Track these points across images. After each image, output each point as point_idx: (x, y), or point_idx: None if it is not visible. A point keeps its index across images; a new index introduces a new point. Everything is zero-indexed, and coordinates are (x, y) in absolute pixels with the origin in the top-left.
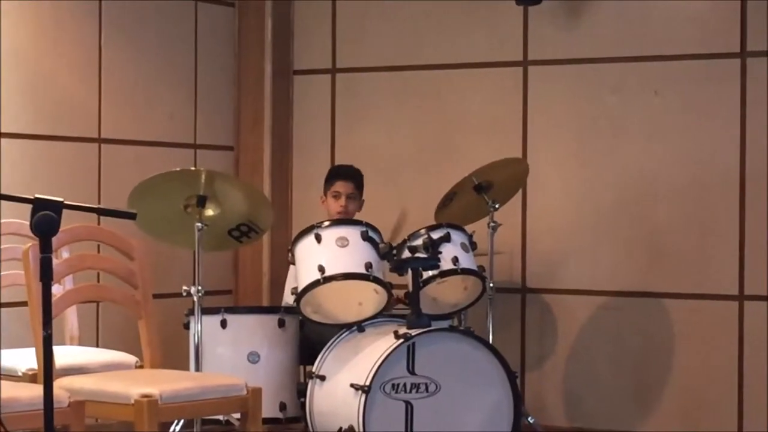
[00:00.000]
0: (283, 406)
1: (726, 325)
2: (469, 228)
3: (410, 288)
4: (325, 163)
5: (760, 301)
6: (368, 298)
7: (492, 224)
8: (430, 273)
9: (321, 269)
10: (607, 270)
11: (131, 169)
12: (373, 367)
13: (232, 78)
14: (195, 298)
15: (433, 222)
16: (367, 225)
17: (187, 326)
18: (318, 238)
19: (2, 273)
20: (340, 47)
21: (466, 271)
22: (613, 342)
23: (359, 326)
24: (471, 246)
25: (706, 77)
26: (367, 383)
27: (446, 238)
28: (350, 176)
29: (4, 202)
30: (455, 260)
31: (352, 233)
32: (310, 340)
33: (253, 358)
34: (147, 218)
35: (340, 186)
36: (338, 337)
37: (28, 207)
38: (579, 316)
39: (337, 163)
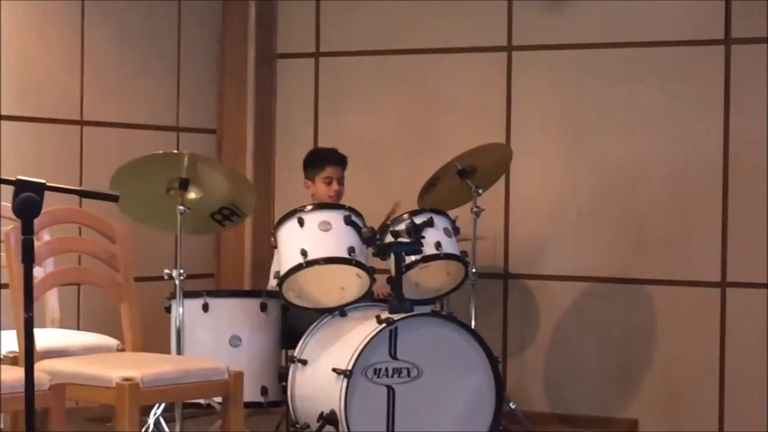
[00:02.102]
0: (264, 390)
1: (708, 312)
2: (452, 213)
3: (393, 273)
4: (308, 147)
5: (742, 288)
6: (351, 283)
7: (475, 209)
8: (413, 258)
9: (304, 253)
10: (590, 256)
11: (113, 151)
12: (355, 351)
13: (216, 61)
14: (177, 282)
15: (416, 207)
16: (350, 209)
17: (168, 310)
18: (301, 222)
19: None
20: (323, 31)
21: (448, 256)
22: (596, 328)
23: (341, 311)
24: (454, 231)
25: (690, 64)
26: (349, 368)
27: (429, 223)
28: (340, 161)
29: None
30: (438, 245)
31: (335, 217)
32: (292, 325)
33: (235, 342)
34: (129, 201)
35: (332, 171)
36: (320, 321)
37: (10, 189)
38: (561, 301)
39: (320, 146)
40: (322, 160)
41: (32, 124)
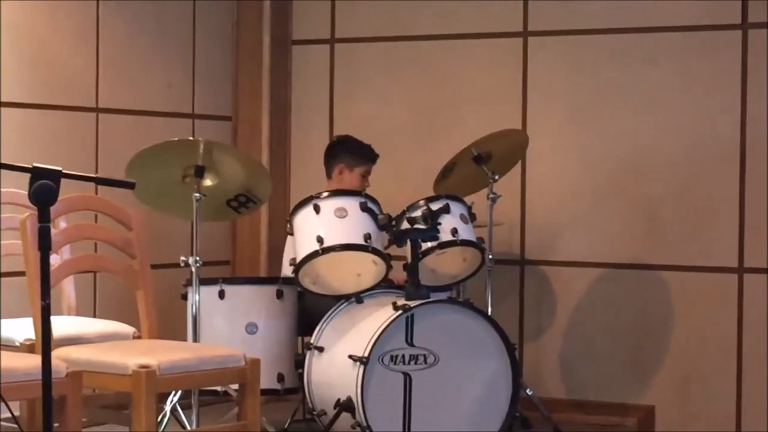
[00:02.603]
0: (281, 378)
1: (725, 298)
2: (468, 199)
3: (409, 259)
4: (323, 133)
5: (760, 274)
6: (367, 270)
7: (491, 196)
8: (429, 244)
9: (320, 240)
10: (606, 242)
11: (129, 139)
12: (372, 338)
13: (231, 48)
14: (193, 269)
15: (432, 193)
16: (366, 196)
17: (184, 297)
18: (317, 209)
19: (0, 243)
20: (339, 17)
21: (465, 243)
22: (611, 314)
23: (358, 297)
24: (470, 217)
25: (706, 49)
26: (366, 354)
27: (445, 210)
28: (377, 160)
29: (1, 171)
30: (454, 231)
31: (351, 204)
32: (309, 311)
33: (251, 329)
34: (145, 188)
35: (370, 167)
36: (336, 308)
37: (26, 176)
38: (577, 288)
39: (335, 133)
40: (368, 156)
41: (48, 111)
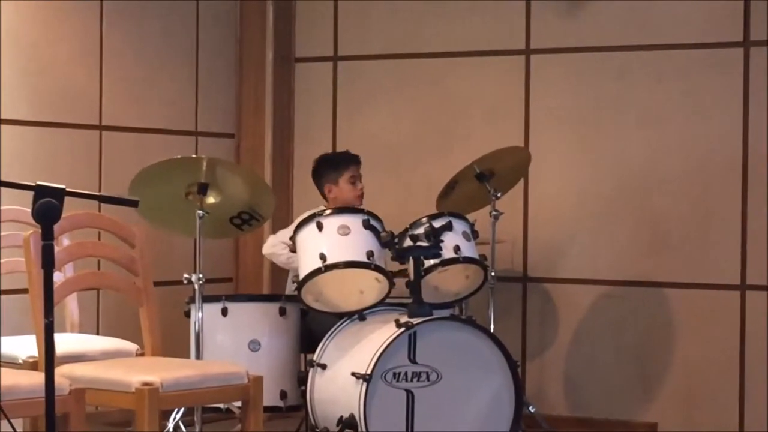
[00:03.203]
0: (283, 395)
1: (728, 315)
2: (470, 217)
3: (412, 277)
4: (326, 150)
5: (762, 291)
6: (370, 287)
7: (494, 213)
8: (432, 262)
9: (322, 257)
10: (609, 259)
11: (132, 156)
12: (375, 355)
13: (234, 65)
14: (196, 286)
15: (434, 210)
16: (369, 213)
17: (187, 314)
18: (320, 227)
19: (2, 260)
20: (341, 35)
21: (467, 260)
22: (615, 331)
23: (360, 315)
24: (473, 235)
25: (709, 66)
26: (368, 372)
27: (448, 227)
28: (359, 160)
29: (4, 189)
30: (457, 249)
31: (354, 221)
32: (311, 329)
33: (254, 346)
34: (148, 206)
35: (355, 170)
36: (339, 325)
37: (29, 194)
38: (580, 305)
39: (338, 150)
40: (345, 161)
41: (51, 129)
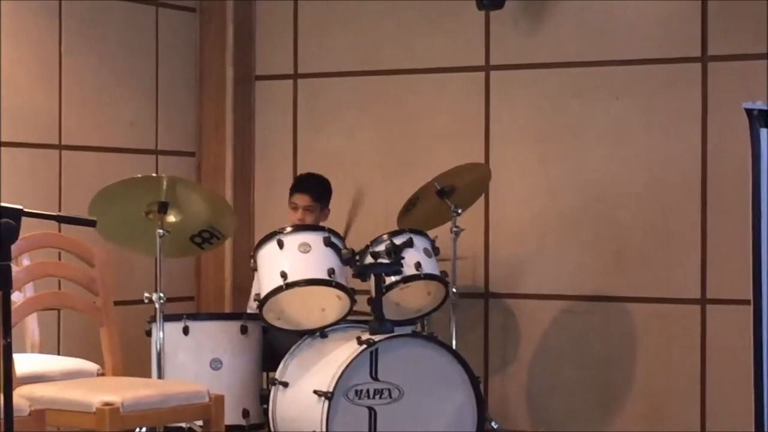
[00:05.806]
0: (246, 413)
1: (688, 329)
2: (431, 233)
3: (373, 294)
4: (287, 168)
5: (722, 305)
6: (331, 304)
7: (455, 229)
8: (393, 278)
9: (283, 275)
10: (570, 274)
11: (92, 175)
12: (336, 373)
13: (194, 83)
14: (157, 305)
15: (395, 227)
16: (330, 231)
17: (149, 333)
18: (280, 244)
19: None
20: (302, 52)
21: (428, 277)
22: (577, 346)
23: (322, 332)
24: (434, 251)
25: (667, 82)
26: (330, 389)
27: (409, 244)
28: (307, 188)
29: None
30: (418, 266)
31: (315, 239)
32: (273, 347)
33: (216, 364)
34: (108, 225)
35: (297, 198)
36: (301, 343)
37: None
38: (542, 320)
39: (299, 169)
40: (292, 187)
41: (10, 148)
